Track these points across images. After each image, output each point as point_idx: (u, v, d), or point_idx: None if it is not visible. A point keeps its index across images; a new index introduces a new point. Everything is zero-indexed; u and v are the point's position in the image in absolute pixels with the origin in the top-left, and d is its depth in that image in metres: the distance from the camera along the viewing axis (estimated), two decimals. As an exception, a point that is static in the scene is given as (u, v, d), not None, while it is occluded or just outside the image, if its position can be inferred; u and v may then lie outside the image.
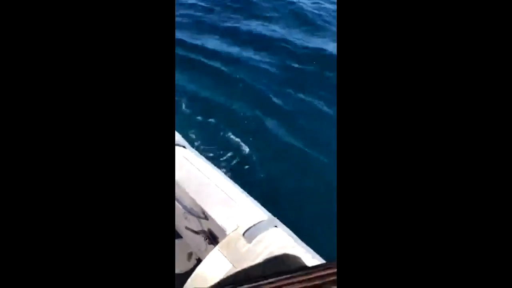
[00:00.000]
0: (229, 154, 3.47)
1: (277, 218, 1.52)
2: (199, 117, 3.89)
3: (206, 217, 1.54)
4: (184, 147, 1.89)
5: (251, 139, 3.63)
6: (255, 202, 1.58)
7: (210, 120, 3.86)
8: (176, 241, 1.96)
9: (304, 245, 1.37)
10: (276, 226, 1.43)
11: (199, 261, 1.93)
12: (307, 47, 5.17)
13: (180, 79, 4.25)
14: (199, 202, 1.56)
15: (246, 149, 3.53)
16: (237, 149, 3.54)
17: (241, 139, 3.64)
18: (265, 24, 5.85)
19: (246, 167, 3.37)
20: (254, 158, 3.45)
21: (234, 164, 3.39)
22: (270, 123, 3.88)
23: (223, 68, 4.73)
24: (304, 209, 2.90)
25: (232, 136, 3.67)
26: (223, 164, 3.32)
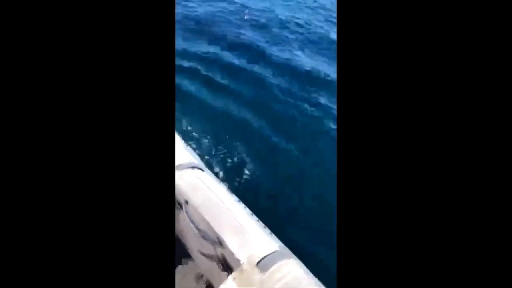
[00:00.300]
0: (227, 168, 3.51)
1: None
2: (195, 133, 3.91)
3: (220, 242, 1.56)
4: (201, 169, 1.89)
5: (251, 154, 3.68)
6: (268, 230, 1.62)
7: (206, 137, 3.89)
8: (188, 262, 1.98)
9: (315, 278, 1.41)
10: (288, 258, 1.46)
11: (208, 284, 1.97)
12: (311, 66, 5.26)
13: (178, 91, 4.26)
14: (214, 226, 1.57)
15: (246, 163, 3.58)
16: (237, 164, 3.59)
17: (242, 154, 3.68)
18: (269, 38, 5.93)
19: (245, 180, 3.41)
20: (255, 171, 3.50)
21: (232, 178, 3.43)
22: (268, 132, 3.95)
23: (223, 80, 4.77)
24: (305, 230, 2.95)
25: (230, 152, 3.71)
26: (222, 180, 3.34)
